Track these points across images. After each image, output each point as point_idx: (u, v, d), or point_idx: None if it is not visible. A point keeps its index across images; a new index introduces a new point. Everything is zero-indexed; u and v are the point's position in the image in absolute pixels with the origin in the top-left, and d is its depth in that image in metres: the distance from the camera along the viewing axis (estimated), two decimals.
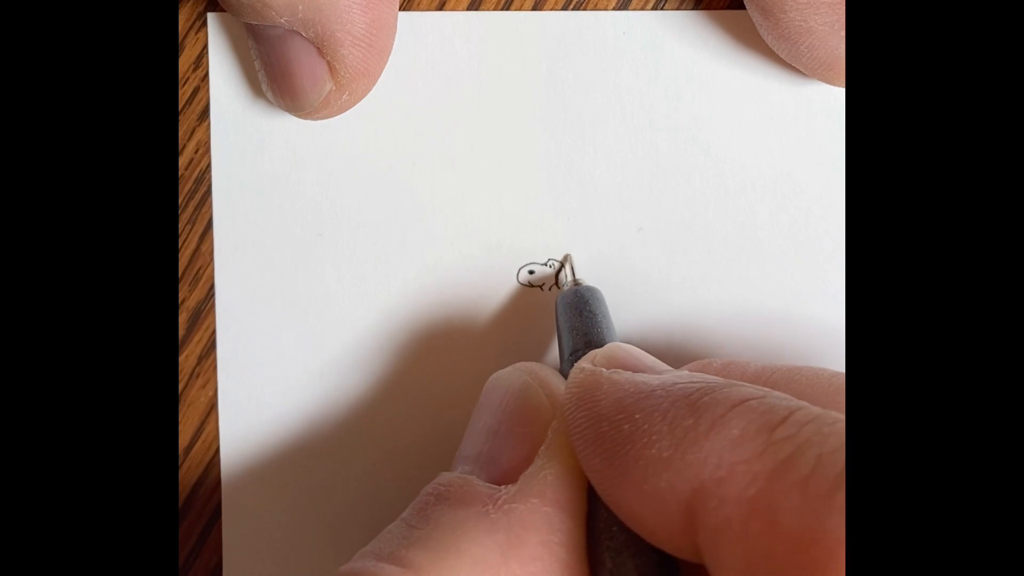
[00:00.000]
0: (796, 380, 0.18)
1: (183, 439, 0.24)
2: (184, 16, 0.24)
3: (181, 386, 0.24)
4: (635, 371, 0.18)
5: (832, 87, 0.23)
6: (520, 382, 0.21)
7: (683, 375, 0.18)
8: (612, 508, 0.17)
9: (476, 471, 0.19)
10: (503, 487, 0.18)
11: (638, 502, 0.16)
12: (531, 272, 0.24)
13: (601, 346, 0.20)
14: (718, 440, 0.15)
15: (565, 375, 0.20)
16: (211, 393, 0.24)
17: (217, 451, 0.24)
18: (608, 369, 0.18)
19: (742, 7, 0.23)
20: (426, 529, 0.18)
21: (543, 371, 0.21)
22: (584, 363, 0.19)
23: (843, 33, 0.21)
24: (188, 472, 0.24)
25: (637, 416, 0.17)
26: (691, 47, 0.24)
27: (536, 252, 0.24)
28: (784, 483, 0.14)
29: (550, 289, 0.24)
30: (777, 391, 0.16)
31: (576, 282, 0.23)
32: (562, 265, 0.24)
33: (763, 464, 0.15)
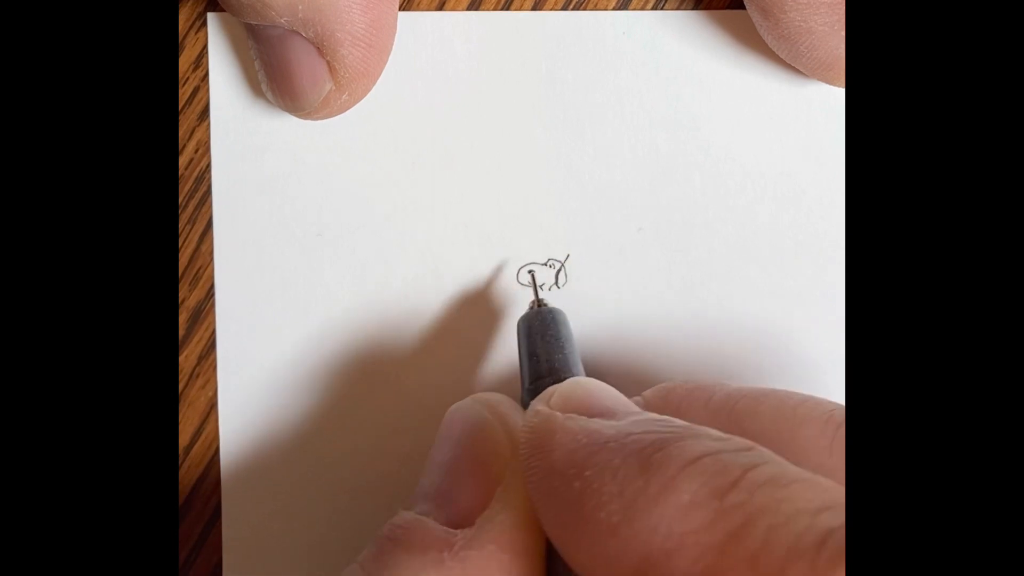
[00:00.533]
0: (759, 412, 0.18)
1: (183, 439, 0.24)
2: (184, 16, 0.24)
3: (181, 386, 0.24)
4: (592, 414, 0.18)
5: (832, 87, 0.23)
6: (478, 417, 0.20)
7: (639, 422, 0.17)
8: (567, 562, 0.17)
9: (433, 510, 0.19)
10: (459, 531, 0.18)
11: (590, 562, 0.16)
12: (531, 272, 0.24)
13: (563, 375, 0.20)
14: (668, 507, 0.15)
15: (525, 405, 0.20)
16: (211, 393, 0.24)
17: (217, 451, 0.24)
18: (564, 413, 0.18)
19: (742, 7, 0.23)
20: None
21: (503, 405, 0.20)
22: (539, 404, 0.18)
23: (843, 33, 0.21)
24: (188, 472, 0.24)
25: (587, 473, 0.16)
26: (691, 47, 0.24)
27: (536, 252, 0.24)
28: (733, 559, 0.14)
29: (550, 289, 0.24)
30: (739, 438, 0.16)
31: (539, 302, 0.22)
32: (532, 279, 0.23)
33: (712, 536, 0.14)
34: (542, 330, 0.21)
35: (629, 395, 0.19)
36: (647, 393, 0.20)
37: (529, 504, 0.18)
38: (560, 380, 0.19)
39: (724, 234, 0.24)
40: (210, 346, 0.24)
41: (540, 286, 0.24)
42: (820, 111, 0.24)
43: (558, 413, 0.18)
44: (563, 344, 0.21)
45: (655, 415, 0.17)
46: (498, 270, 0.24)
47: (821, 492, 0.14)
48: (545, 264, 0.24)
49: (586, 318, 0.23)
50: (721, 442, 0.16)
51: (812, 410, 0.18)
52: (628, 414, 0.18)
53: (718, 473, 0.15)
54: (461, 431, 0.20)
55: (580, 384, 0.19)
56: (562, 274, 0.24)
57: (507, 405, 0.20)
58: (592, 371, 0.23)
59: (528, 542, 0.18)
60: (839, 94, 0.24)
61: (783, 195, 0.24)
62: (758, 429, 0.16)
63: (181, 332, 0.24)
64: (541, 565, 0.18)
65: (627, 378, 0.24)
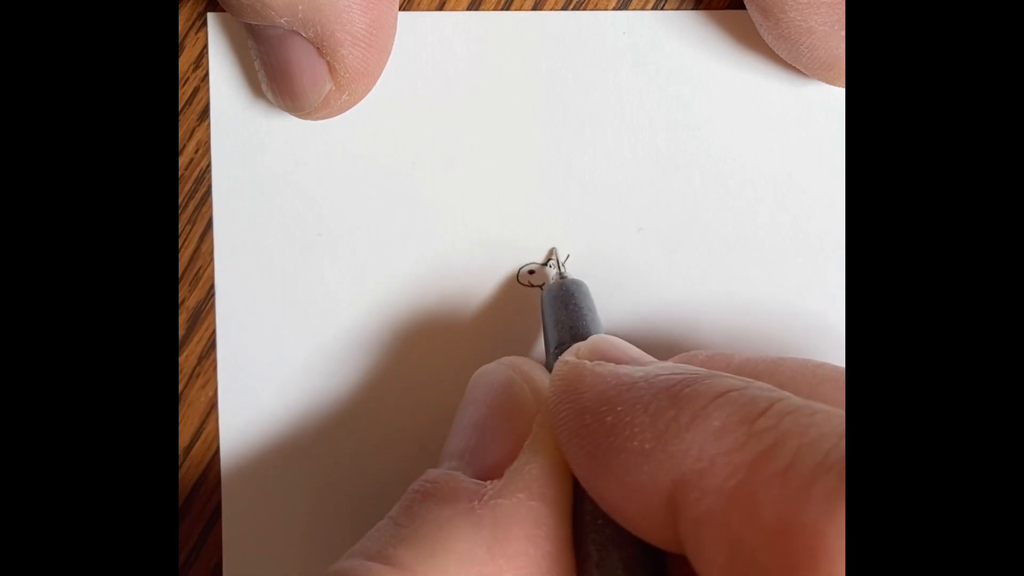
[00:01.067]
0: (779, 371, 0.18)
1: (183, 439, 0.24)
2: (184, 16, 0.24)
3: (181, 386, 0.24)
4: (619, 363, 0.18)
5: (832, 87, 0.23)
6: (504, 376, 0.21)
7: (666, 366, 0.18)
8: (596, 500, 0.17)
9: (462, 467, 0.19)
10: (488, 483, 0.18)
11: (621, 494, 0.16)
12: (531, 272, 0.24)
13: (586, 339, 0.20)
14: (699, 432, 0.16)
15: (551, 370, 0.20)
16: (211, 393, 0.24)
17: (217, 451, 0.24)
18: (592, 361, 0.18)
19: (742, 7, 0.23)
20: (413, 527, 0.18)
21: (527, 365, 0.21)
22: (568, 356, 0.19)
23: (843, 33, 0.21)
24: (188, 472, 0.24)
25: (619, 408, 0.17)
26: (691, 47, 0.24)
27: (536, 252, 0.24)
28: (763, 474, 0.15)
29: (542, 267, 0.24)
30: (760, 382, 0.17)
31: (561, 275, 0.23)
32: (548, 257, 0.24)
33: (743, 455, 0.15)
34: (565, 300, 0.22)
35: None
36: (669, 360, 0.20)
37: (556, 455, 0.18)
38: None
39: (724, 234, 0.24)
40: (210, 346, 0.24)
41: (541, 286, 0.24)
42: (820, 111, 0.24)
43: (586, 361, 0.18)
44: (586, 313, 0.22)
45: (678, 364, 0.18)
46: (498, 270, 0.24)
47: (842, 420, 0.15)
48: (545, 264, 0.24)
49: None
50: (745, 381, 0.16)
51: (831, 371, 0.18)
52: (652, 362, 0.19)
53: (747, 404, 0.16)
54: (487, 391, 0.20)
55: (604, 338, 0.20)
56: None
57: (531, 365, 0.21)
58: None
59: (556, 491, 0.18)
60: (839, 94, 0.24)
61: (783, 195, 0.24)
62: (778, 384, 0.17)
63: (181, 332, 0.24)
64: (568, 514, 0.18)
65: None
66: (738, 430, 0.15)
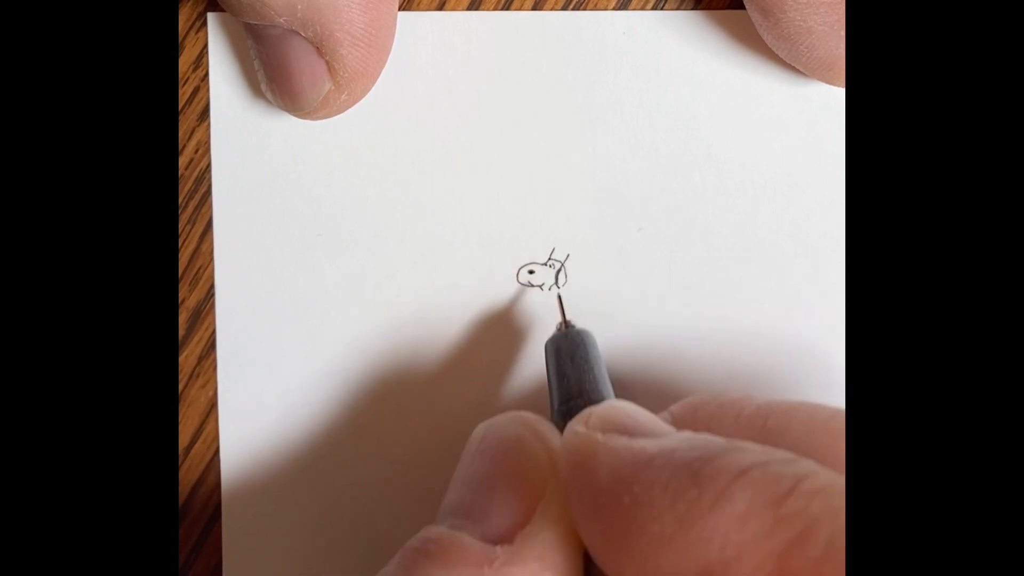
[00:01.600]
0: (791, 426, 0.18)
1: (183, 439, 0.24)
2: (184, 16, 0.24)
3: (181, 386, 0.24)
4: (632, 434, 0.17)
5: (832, 87, 0.23)
6: (515, 433, 0.19)
7: (682, 439, 0.17)
8: None
9: (467, 526, 0.18)
10: (499, 547, 0.17)
11: None
12: (531, 272, 0.24)
13: (593, 396, 0.20)
14: (723, 516, 0.15)
15: (556, 424, 0.20)
16: (211, 393, 0.24)
17: (217, 451, 0.24)
18: (604, 433, 0.17)
19: (742, 7, 0.23)
20: None
21: (539, 424, 0.20)
22: (578, 426, 0.18)
23: (843, 33, 0.21)
24: (188, 472, 0.24)
25: (636, 489, 0.16)
26: (691, 47, 0.24)
27: (536, 252, 0.24)
28: (796, 565, 0.14)
29: (550, 289, 0.24)
30: (779, 450, 0.16)
31: (566, 324, 0.22)
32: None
33: (773, 544, 0.14)
34: (571, 351, 0.21)
35: (638, 399, 0.19)
36: (674, 408, 0.20)
37: (570, 523, 0.17)
38: (591, 401, 0.19)
39: (724, 234, 0.24)
40: (210, 346, 0.24)
41: (541, 286, 0.24)
42: (820, 111, 0.24)
43: (598, 433, 0.17)
44: (592, 365, 0.21)
45: (694, 433, 0.17)
46: (498, 270, 0.24)
47: None
48: (545, 264, 0.24)
49: (586, 318, 0.23)
50: (767, 454, 0.16)
51: (843, 425, 0.18)
52: (667, 433, 0.18)
53: (771, 483, 0.15)
54: (497, 447, 0.19)
55: (617, 406, 0.19)
56: (562, 274, 0.24)
57: (541, 423, 0.20)
58: None
59: (570, 561, 0.18)
60: (839, 94, 0.24)
61: (783, 195, 0.24)
62: (791, 443, 0.16)
63: (181, 332, 0.24)
64: None
65: (627, 378, 0.24)
66: (764, 514, 0.14)
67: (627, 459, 0.16)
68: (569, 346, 0.21)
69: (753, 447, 0.16)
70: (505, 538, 0.18)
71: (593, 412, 0.18)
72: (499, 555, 0.17)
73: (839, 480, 0.15)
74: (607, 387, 0.21)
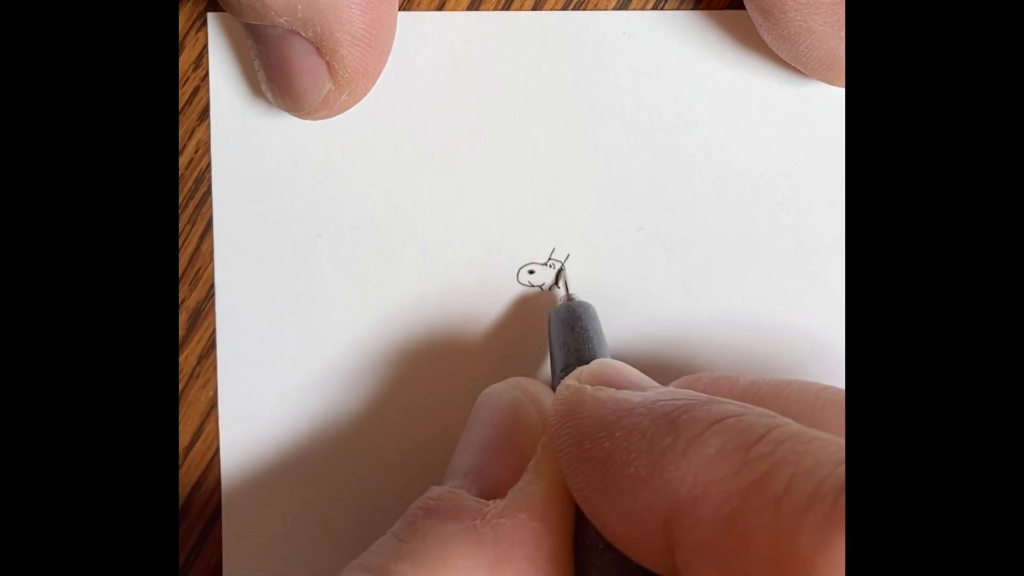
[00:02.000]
0: (782, 395, 0.18)
1: (183, 439, 0.24)
2: (184, 16, 0.24)
3: (181, 386, 0.24)
4: (620, 388, 0.18)
5: (832, 87, 0.23)
6: (511, 397, 0.21)
7: (666, 392, 0.18)
8: (595, 525, 0.17)
9: (466, 485, 0.19)
10: (491, 502, 0.19)
11: (619, 520, 0.16)
12: (531, 272, 0.24)
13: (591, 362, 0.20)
14: (695, 459, 0.15)
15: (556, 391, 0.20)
16: (211, 393, 0.24)
17: (217, 451, 0.24)
18: (592, 386, 0.18)
19: (742, 7, 0.23)
20: (415, 543, 0.18)
21: (535, 387, 0.21)
22: (570, 380, 0.19)
23: (843, 33, 0.21)
24: (188, 472, 0.24)
25: (617, 434, 0.17)
26: (691, 47, 0.24)
27: (536, 252, 0.24)
28: (757, 502, 0.14)
29: (550, 289, 0.24)
30: (761, 408, 0.16)
31: (569, 297, 0.23)
32: (558, 276, 0.24)
33: (737, 483, 0.15)
34: (572, 322, 0.22)
35: None
36: (672, 384, 0.20)
37: (559, 477, 0.18)
38: None
39: (724, 234, 0.24)
40: (210, 346, 0.24)
41: (541, 286, 0.24)
42: (820, 111, 0.24)
43: (587, 386, 0.18)
44: (592, 335, 0.22)
45: (678, 389, 0.18)
46: (498, 270, 0.24)
47: (839, 449, 0.15)
48: (545, 264, 0.24)
49: None
50: (745, 408, 0.16)
51: (834, 395, 0.18)
52: (653, 387, 0.19)
53: (743, 431, 0.15)
54: (494, 411, 0.21)
55: (606, 363, 0.20)
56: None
57: (539, 387, 0.21)
58: None
59: (558, 513, 0.18)
60: (839, 94, 0.24)
61: (783, 195, 0.24)
62: (780, 408, 0.17)
63: (181, 332, 0.24)
64: (569, 537, 0.18)
65: None
66: (733, 457, 0.15)
67: (611, 407, 0.17)
68: (571, 317, 0.22)
69: (733, 402, 0.17)
70: (498, 493, 0.19)
71: (584, 368, 0.19)
72: (491, 509, 0.18)
73: (809, 431, 0.15)
74: (606, 353, 0.21)
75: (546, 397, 0.21)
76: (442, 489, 0.19)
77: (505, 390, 0.21)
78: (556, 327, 0.22)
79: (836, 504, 0.14)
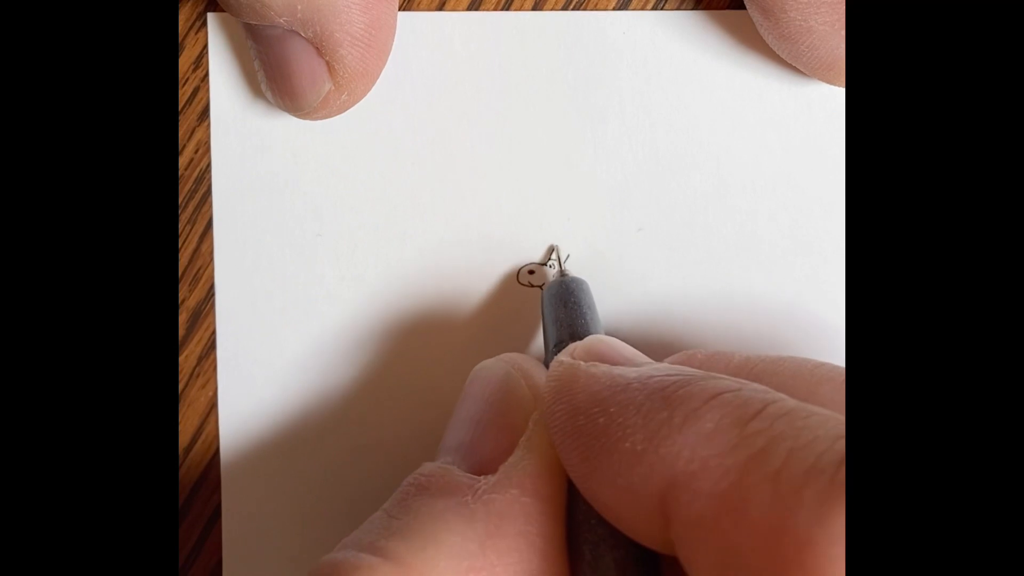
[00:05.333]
0: (778, 371, 0.18)
1: (183, 439, 0.24)
2: (184, 16, 0.24)
3: (181, 386, 0.24)
4: (614, 363, 0.18)
5: (832, 87, 0.23)
6: (502, 372, 0.21)
7: (661, 368, 0.18)
8: (589, 500, 0.17)
9: (457, 461, 0.19)
10: (483, 477, 0.18)
11: (613, 495, 0.16)
12: (531, 272, 0.24)
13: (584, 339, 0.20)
14: (691, 434, 0.15)
15: (549, 367, 0.20)
16: (211, 393, 0.24)
17: (217, 451, 0.24)
18: (586, 362, 0.18)
19: (742, 7, 0.23)
20: (406, 519, 0.18)
21: (526, 362, 0.21)
22: (563, 356, 0.19)
23: (843, 33, 0.21)
24: (188, 472, 0.24)
25: (612, 409, 0.17)
26: (691, 47, 0.24)
27: (536, 252, 0.24)
28: (755, 477, 0.14)
29: (542, 266, 0.24)
30: (756, 383, 0.16)
31: (562, 273, 0.23)
32: (548, 259, 0.24)
33: (735, 458, 0.15)
34: (565, 298, 0.22)
35: None
36: (667, 360, 0.20)
37: (551, 452, 0.18)
38: None
39: (724, 234, 0.24)
40: (210, 346, 0.24)
41: (541, 286, 0.24)
42: (820, 111, 0.24)
43: (581, 362, 0.18)
44: (585, 311, 0.22)
45: (673, 365, 0.18)
46: (498, 270, 0.24)
47: (837, 424, 0.15)
48: (545, 264, 0.24)
49: None
50: (741, 383, 0.16)
51: (830, 371, 0.18)
52: (647, 363, 0.18)
53: (741, 406, 0.15)
54: (485, 386, 0.20)
55: (600, 339, 0.20)
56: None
57: (530, 362, 0.21)
58: None
59: (550, 488, 0.18)
60: (839, 94, 0.24)
61: (783, 195, 0.24)
62: (776, 385, 0.17)
63: (181, 332, 0.24)
64: (562, 512, 0.18)
65: None
66: (730, 432, 0.15)
67: (605, 383, 0.17)
68: (563, 292, 0.22)
69: (729, 378, 0.17)
70: (489, 469, 0.19)
71: (577, 345, 0.19)
72: (482, 484, 0.18)
73: (807, 407, 0.15)
74: (599, 330, 0.21)
75: (538, 373, 0.21)
76: (433, 465, 0.19)
77: (496, 366, 0.21)
78: (549, 303, 0.22)
79: (835, 478, 0.14)
